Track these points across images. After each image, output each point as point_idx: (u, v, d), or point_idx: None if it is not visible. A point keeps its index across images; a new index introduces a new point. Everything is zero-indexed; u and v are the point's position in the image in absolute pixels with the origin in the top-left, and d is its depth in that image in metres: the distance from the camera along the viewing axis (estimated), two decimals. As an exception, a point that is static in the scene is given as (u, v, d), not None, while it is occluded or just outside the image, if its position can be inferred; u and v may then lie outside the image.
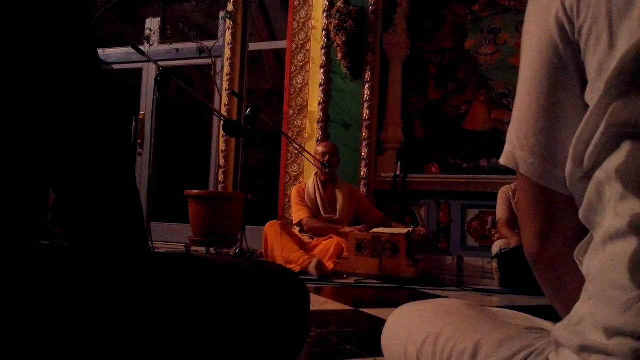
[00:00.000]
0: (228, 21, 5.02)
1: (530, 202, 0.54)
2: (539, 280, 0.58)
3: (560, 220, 0.53)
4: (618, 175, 0.41)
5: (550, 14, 0.49)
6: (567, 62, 0.49)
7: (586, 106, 0.46)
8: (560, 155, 0.50)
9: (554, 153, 0.51)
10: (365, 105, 4.27)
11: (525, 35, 0.54)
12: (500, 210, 3.33)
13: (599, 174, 0.44)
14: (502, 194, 3.36)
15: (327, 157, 3.63)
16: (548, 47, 0.50)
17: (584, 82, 0.48)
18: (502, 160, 0.56)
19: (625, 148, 0.41)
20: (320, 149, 3.74)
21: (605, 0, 0.44)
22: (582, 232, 0.49)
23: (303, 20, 4.65)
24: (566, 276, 0.54)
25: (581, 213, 0.47)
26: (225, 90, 4.95)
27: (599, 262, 0.42)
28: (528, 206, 0.55)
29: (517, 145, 0.54)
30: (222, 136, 4.88)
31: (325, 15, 4.42)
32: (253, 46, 5.28)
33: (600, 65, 0.44)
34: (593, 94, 0.45)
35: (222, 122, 3.45)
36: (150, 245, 2.41)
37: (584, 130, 0.45)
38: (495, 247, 3.15)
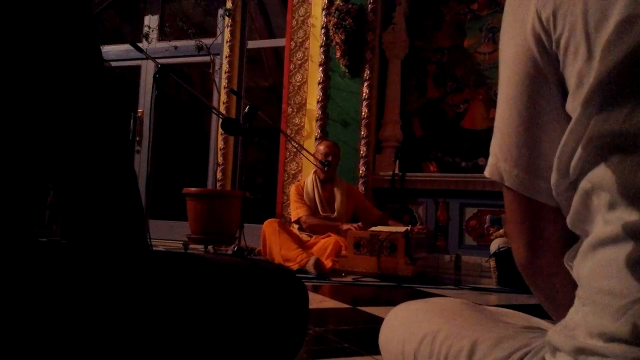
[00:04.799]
0: (227, 19, 5.01)
1: (516, 213, 0.55)
2: (531, 288, 0.58)
3: (548, 229, 0.53)
4: (604, 185, 0.42)
5: (527, 26, 0.49)
6: (546, 74, 0.49)
7: (568, 117, 0.46)
8: (544, 166, 0.50)
9: (537, 164, 0.51)
10: (364, 103, 4.27)
11: (502, 47, 0.54)
12: None
13: (584, 184, 0.44)
14: None
15: (330, 158, 3.63)
16: (526, 59, 0.50)
17: (564, 93, 0.48)
18: (487, 173, 0.56)
19: (610, 158, 0.41)
20: (322, 148, 3.72)
21: (581, 12, 0.44)
22: (570, 239, 0.50)
23: (302, 18, 4.64)
24: (557, 283, 0.54)
25: (568, 221, 0.47)
26: (224, 88, 4.95)
27: (589, 268, 0.43)
28: (515, 217, 0.55)
29: (500, 157, 0.54)
30: (221, 134, 4.88)
31: (324, 13, 4.41)
32: (252, 44, 5.27)
33: (579, 76, 0.44)
34: (574, 105, 0.45)
35: (220, 120, 3.45)
36: (149, 242, 2.41)
37: (568, 142, 0.45)
38: (494, 246, 3.16)
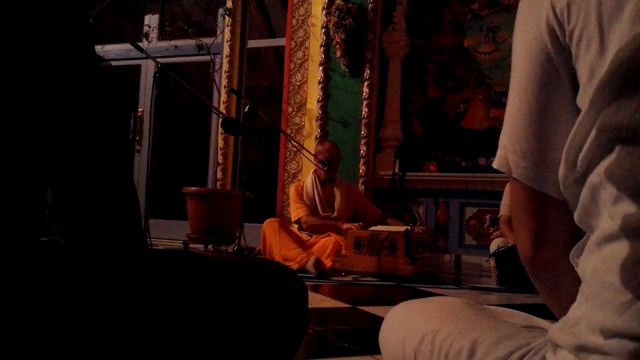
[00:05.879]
0: (227, 18, 5.01)
1: (523, 205, 0.55)
2: (534, 283, 0.58)
3: (554, 223, 0.53)
4: (612, 179, 0.42)
5: (541, 19, 0.49)
6: (559, 67, 0.49)
7: (578, 110, 0.47)
8: (553, 159, 0.51)
9: (546, 157, 0.51)
10: (364, 103, 4.27)
11: (516, 40, 0.54)
12: (504, 207, 3.33)
13: (593, 178, 0.44)
14: (508, 190, 3.37)
15: (333, 162, 3.62)
16: (539, 51, 0.50)
17: (575, 87, 0.48)
18: (495, 165, 0.56)
19: (618, 152, 0.42)
20: (323, 150, 3.71)
21: (596, 5, 0.44)
22: (576, 234, 0.49)
23: (302, 18, 4.64)
24: (561, 279, 0.54)
25: (576, 216, 0.47)
26: (224, 87, 4.95)
27: (594, 264, 0.43)
28: (521, 210, 0.55)
29: (509, 149, 0.54)
30: (221, 133, 4.88)
31: (324, 12, 4.41)
32: (252, 43, 5.27)
33: (591, 69, 0.44)
34: (585, 99, 0.45)
35: (220, 120, 3.45)
36: (149, 242, 2.41)
37: (576, 135, 0.45)
38: (493, 246, 3.16)
